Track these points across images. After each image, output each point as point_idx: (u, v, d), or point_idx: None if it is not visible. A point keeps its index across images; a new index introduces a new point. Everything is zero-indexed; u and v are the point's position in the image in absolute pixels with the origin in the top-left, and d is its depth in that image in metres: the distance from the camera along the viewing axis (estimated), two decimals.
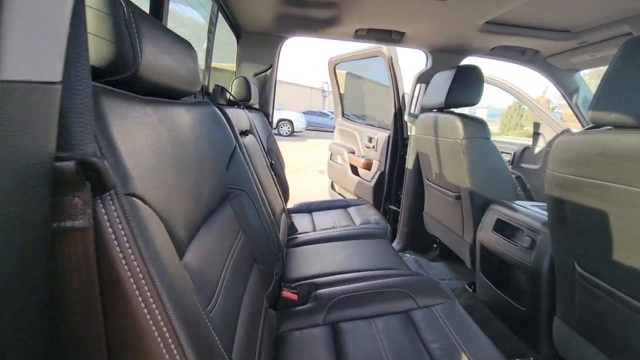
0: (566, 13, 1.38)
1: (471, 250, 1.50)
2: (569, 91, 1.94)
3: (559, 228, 0.91)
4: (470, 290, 1.68)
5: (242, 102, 1.52)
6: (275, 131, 13.28)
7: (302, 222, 1.71)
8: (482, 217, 1.43)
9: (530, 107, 2.31)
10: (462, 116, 1.43)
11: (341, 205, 1.93)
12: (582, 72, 1.94)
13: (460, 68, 1.47)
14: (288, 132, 13.21)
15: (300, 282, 1.09)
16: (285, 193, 1.84)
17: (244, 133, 1.33)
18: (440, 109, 1.67)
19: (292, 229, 1.55)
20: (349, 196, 2.76)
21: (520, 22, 1.49)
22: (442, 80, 1.56)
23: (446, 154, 1.55)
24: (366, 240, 1.44)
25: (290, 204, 1.92)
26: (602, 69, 1.65)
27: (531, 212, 1.21)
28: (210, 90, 1.51)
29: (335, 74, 2.77)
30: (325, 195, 3.23)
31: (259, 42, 1.91)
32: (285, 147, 10.19)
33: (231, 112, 1.11)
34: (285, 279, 1.16)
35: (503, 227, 1.30)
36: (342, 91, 2.99)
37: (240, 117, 1.28)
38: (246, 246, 0.83)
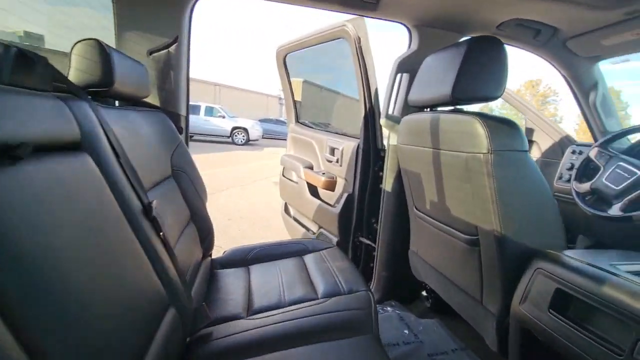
0: None
1: (499, 327, 0.95)
2: (584, 88, 1.51)
3: None
4: None
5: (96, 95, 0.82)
6: (229, 140, 12.41)
7: (231, 289, 1.06)
8: (520, 278, 0.88)
9: (521, 109, 1.88)
10: (483, 117, 0.88)
11: (294, 250, 1.30)
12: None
13: (474, 42, 0.93)
14: (243, 141, 12.37)
15: None
16: (205, 238, 1.18)
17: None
18: (434, 107, 1.12)
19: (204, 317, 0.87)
20: (308, 223, 2.14)
21: None
22: (443, 63, 1.01)
23: (454, 175, 1.00)
24: (340, 342, 0.81)
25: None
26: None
27: (627, 281, 0.67)
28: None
29: (285, 66, 2.16)
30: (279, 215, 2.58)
31: None
32: (240, 157, 9.41)
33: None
34: None
35: (571, 306, 0.76)
36: (298, 99, 2.39)
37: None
38: None
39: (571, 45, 1.35)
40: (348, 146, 1.72)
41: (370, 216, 1.69)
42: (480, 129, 0.86)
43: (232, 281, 1.11)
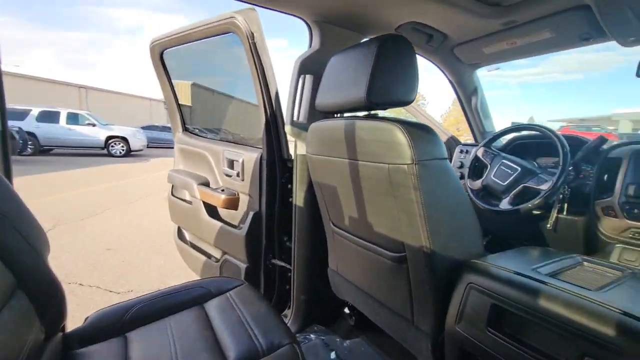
0: None
1: (435, 348, 0.88)
2: (467, 92, 1.64)
3: None
4: None
5: None
6: (104, 152, 10.48)
7: None
8: (452, 294, 0.83)
9: (411, 112, 1.98)
10: (404, 124, 0.79)
11: (192, 297, 1.01)
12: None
13: (385, 42, 0.83)
14: (122, 152, 10.66)
15: None
16: (48, 308, 0.80)
17: None
18: (344, 112, 1.01)
19: None
20: (209, 249, 1.83)
21: None
22: (352, 64, 0.90)
23: (376, 188, 0.89)
24: None
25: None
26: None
27: (574, 296, 0.65)
28: None
29: (163, 64, 1.79)
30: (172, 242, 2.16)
31: None
32: (120, 171, 8.09)
33: None
34: None
35: (509, 322, 0.72)
36: (187, 103, 2.03)
37: None
38: None
39: (457, 52, 1.43)
40: (249, 157, 1.50)
41: (282, 235, 1.51)
42: (402, 138, 0.76)
43: None
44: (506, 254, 0.91)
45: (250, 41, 1.27)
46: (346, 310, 1.51)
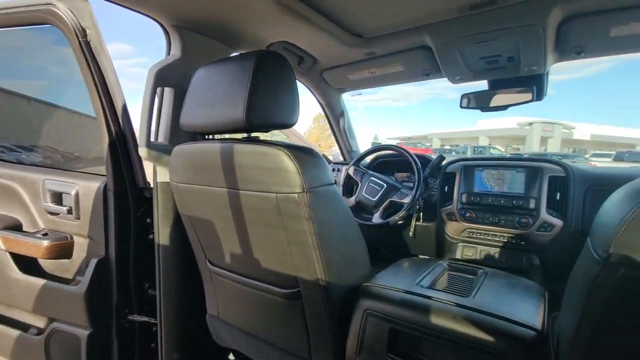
0: (365, 12, 1.03)
1: None
2: (335, 114, 1.73)
3: None
4: None
5: None
6: None
7: None
8: (350, 323, 0.79)
9: (286, 133, 1.98)
10: (289, 148, 0.72)
11: None
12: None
13: (262, 57, 0.75)
14: None
15: None
16: None
17: None
18: (212, 134, 0.88)
19: None
20: (23, 317, 1.30)
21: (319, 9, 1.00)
22: (226, 80, 0.78)
23: (262, 220, 0.78)
24: None
25: None
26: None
27: (455, 307, 0.69)
28: None
29: None
30: None
31: None
32: None
33: None
34: None
35: (406, 343, 0.72)
36: None
37: None
38: None
39: (326, 76, 1.49)
40: (87, 188, 1.14)
41: (142, 281, 1.21)
42: (290, 164, 0.69)
43: None
44: (389, 271, 0.95)
45: (81, 39, 0.98)
46: (231, 357, 1.32)
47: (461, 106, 1.41)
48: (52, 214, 1.20)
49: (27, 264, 1.23)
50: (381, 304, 0.75)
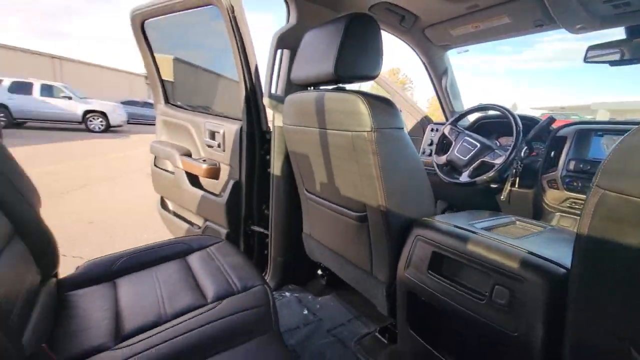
0: None
1: (389, 293, 1.02)
2: (438, 73, 1.74)
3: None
4: (385, 342, 1.23)
5: None
6: (82, 126, 10.16)
7: (90, 314, 0.83)
8: (403, 246, 0.96)
9: (390, 92, 2.07)
10: (365, 95, 0.89)
11: (174, 252, 1.11)
12: None
13: (352, 19, 0.92)
14: (101, 128, 10.36)
15: None
16: (43, 255, 0.88)
17: None
18: (317, 85, 1.09)
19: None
20: (192, 217, 1.91)
21: None
22: (323, 39, 0.98)
23: (342, 155, 1.00)
24: (237, 350, 0.71)
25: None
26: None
27: (494, 241, 0.78)
28: None
29: (144, 35, 1.80)
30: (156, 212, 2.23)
31: None
32: (99, 147, 7.89)
33: None
34: None
35: (446, 265, 0.85)
36: (169, 79, 2.05)
37: None
38: None
39: (428, 34, 1.52)
40: (230, 129, 1.57)
41: (261, 202, 1.61)
42: (363, 108, 0.86)
43: (90, 303, 0.87)
44: (454, 214, 1.04)
45: (231, 15, 1.32)
46: (319, 271, 1.65)
47: (585, 60, 1.24)
48: (209, 146, 1.70)
49: (193, 180, 1.78)
50: (430, 232, 0.88)
